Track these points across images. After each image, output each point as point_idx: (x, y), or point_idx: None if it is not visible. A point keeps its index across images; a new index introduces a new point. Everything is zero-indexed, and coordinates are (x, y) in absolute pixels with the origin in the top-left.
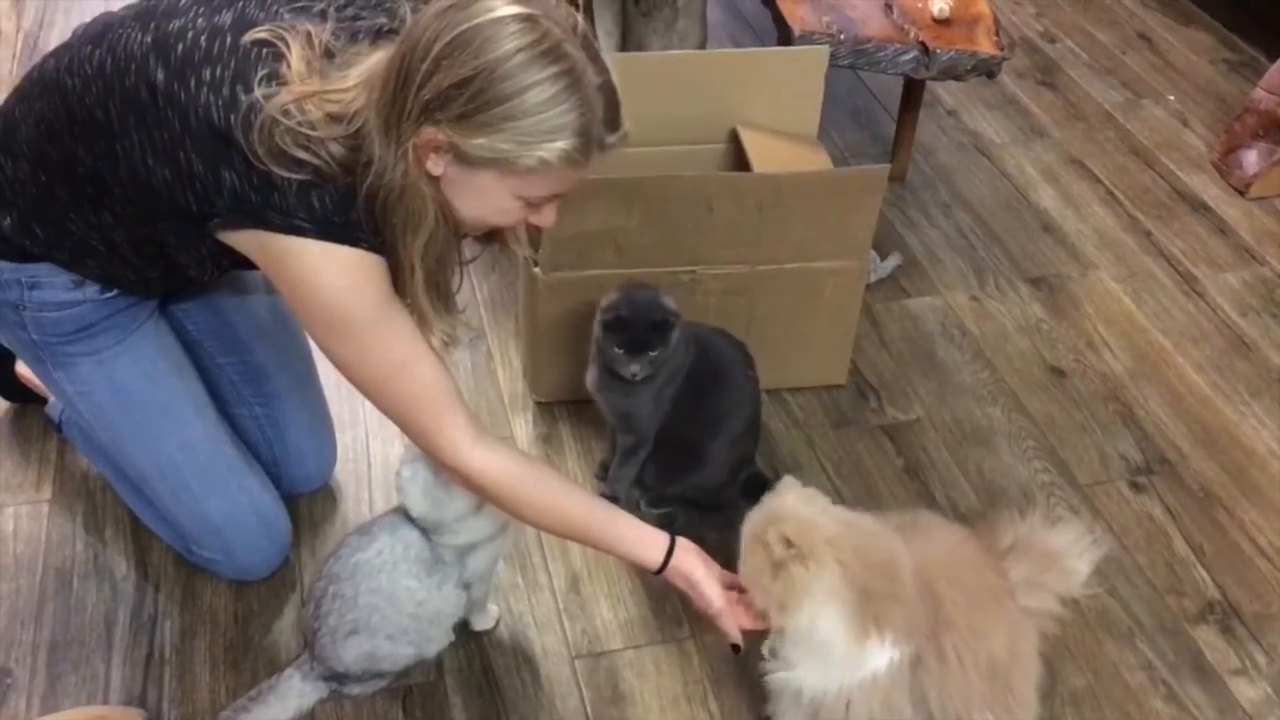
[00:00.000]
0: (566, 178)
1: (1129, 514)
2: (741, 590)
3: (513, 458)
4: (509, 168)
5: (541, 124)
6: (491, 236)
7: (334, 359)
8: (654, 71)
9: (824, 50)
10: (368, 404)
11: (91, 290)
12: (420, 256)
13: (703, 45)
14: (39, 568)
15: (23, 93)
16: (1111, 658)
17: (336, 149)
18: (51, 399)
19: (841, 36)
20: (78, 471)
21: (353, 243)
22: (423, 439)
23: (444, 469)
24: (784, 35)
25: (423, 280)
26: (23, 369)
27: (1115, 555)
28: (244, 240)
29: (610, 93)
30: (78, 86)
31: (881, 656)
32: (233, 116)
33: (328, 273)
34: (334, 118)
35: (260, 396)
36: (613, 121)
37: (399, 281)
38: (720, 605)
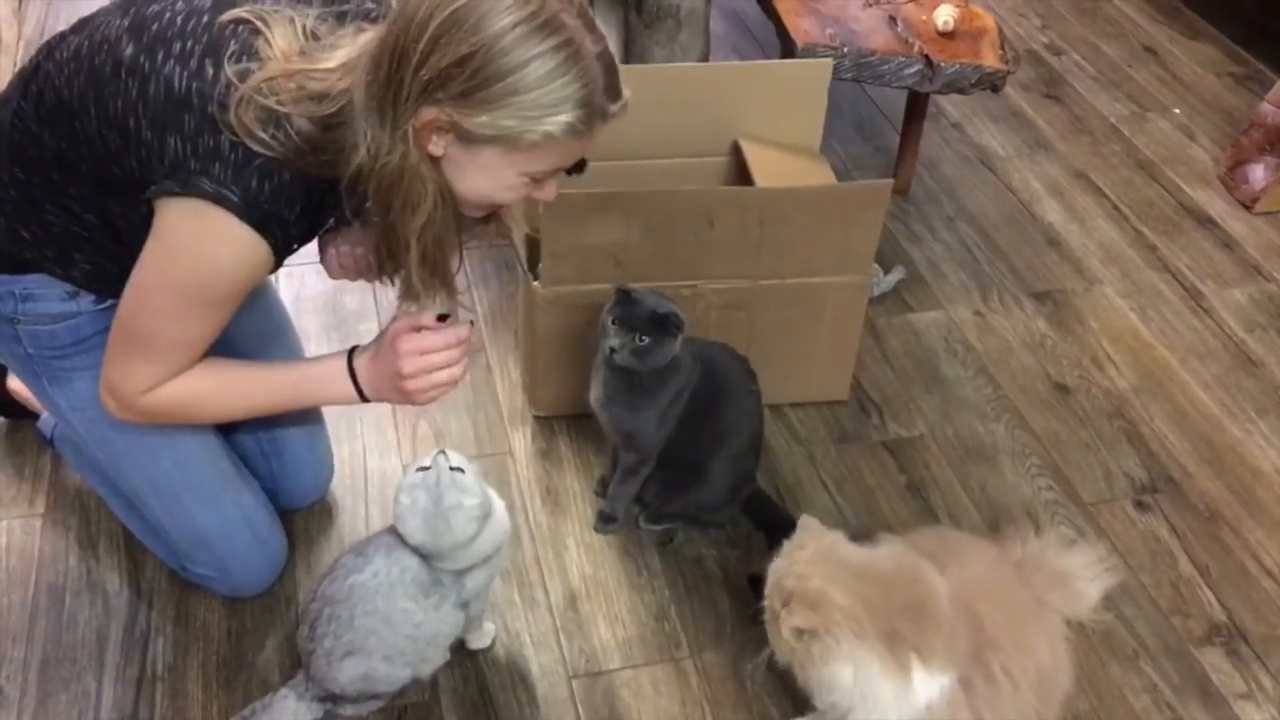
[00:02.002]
0: (571, 151)
1: (1134, 533)
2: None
3: (177, 382)
4: (513, 144)
5: (544, 97)
6: (489, 216)
7: (142, 297)
8: (656, 83)
9: (827, 63)
10: (365, 418)
11: (86, 302)
12: (417, 236)
13: (705, 57)
14: (31, 583)
15: (4, 97)
16: (1116, 680)
17: (304, 125)
18: (44, 413)
19: (845, 49)
20: (71, 486)
21: (265, 233)
22: (112, 365)
23: (107, 395)
24: (787, 48)
25: (418, 258)
26: (15, 383)
27: (1120, 575)
28: (164, 207)
29: (609, 61)
30: (52, 71)
31: (932, 686)
32: (195, 85)
33: (226, 252)
34: (312, 97)
35: None
36: (613, 90)
37: (394, 256)
38: (451, 339)
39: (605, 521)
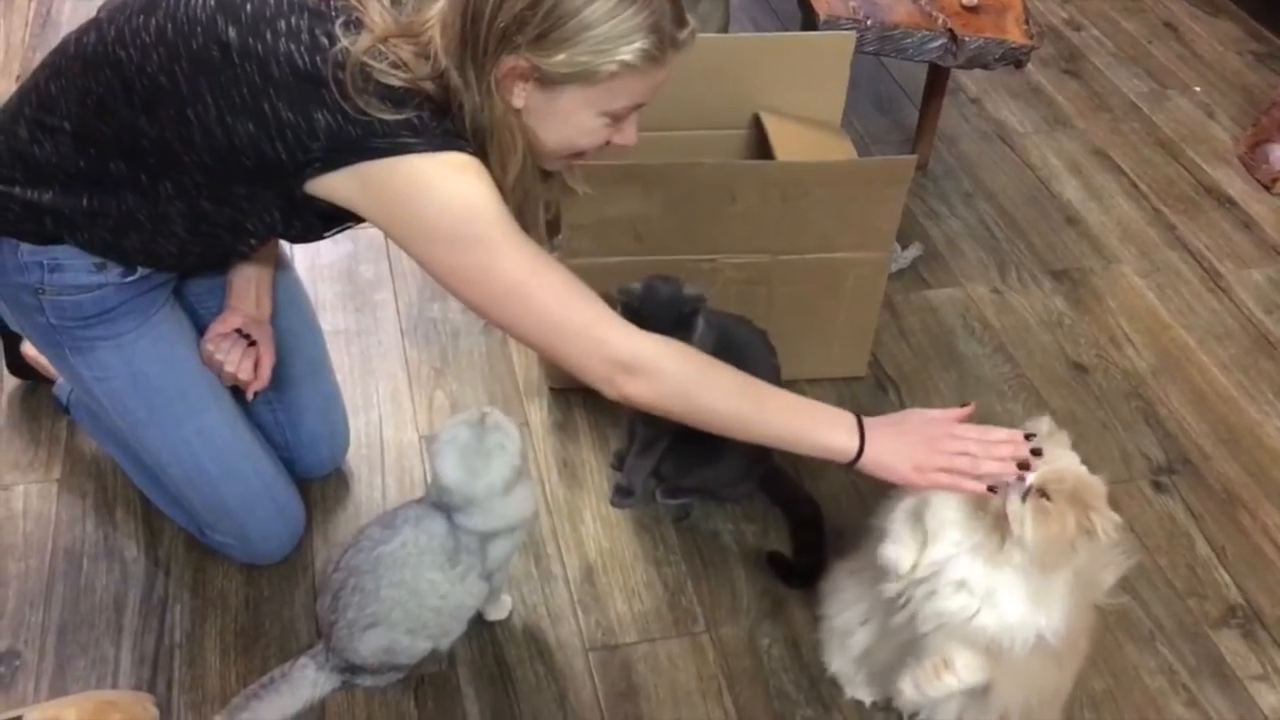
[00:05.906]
0: (648, 81)
1: (1150, 514)
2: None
3: (672, 342)
4: (590, 79)
5: (616, 28)
6: (551, 175)
7: (459, 279)
8: None
9: (850, 36)
10: (381, 389)
11: (113, 274)
12: (511, 190)
13: (725, 29)
14: (49, 548)
15: (56, 69)
16: (1132, 661)
17: (430, 86)
18: (60, 379)
19: (868, 22)
20: (88, 451)
21: (456, 148)
22: (583, 337)
23: (608, 375)
24: (809, 20)
25: (514, 214)
26: (31, 348)
27: (1136, 556)
28: (341, 182)
29: None
30: (135, 57)
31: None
32: (318, 58)
33: (442, 176)
34: (420, 55)
35: (273, 381)
36: (679, 19)
37: None
38: (1018, 451)
39: (622, 495)
